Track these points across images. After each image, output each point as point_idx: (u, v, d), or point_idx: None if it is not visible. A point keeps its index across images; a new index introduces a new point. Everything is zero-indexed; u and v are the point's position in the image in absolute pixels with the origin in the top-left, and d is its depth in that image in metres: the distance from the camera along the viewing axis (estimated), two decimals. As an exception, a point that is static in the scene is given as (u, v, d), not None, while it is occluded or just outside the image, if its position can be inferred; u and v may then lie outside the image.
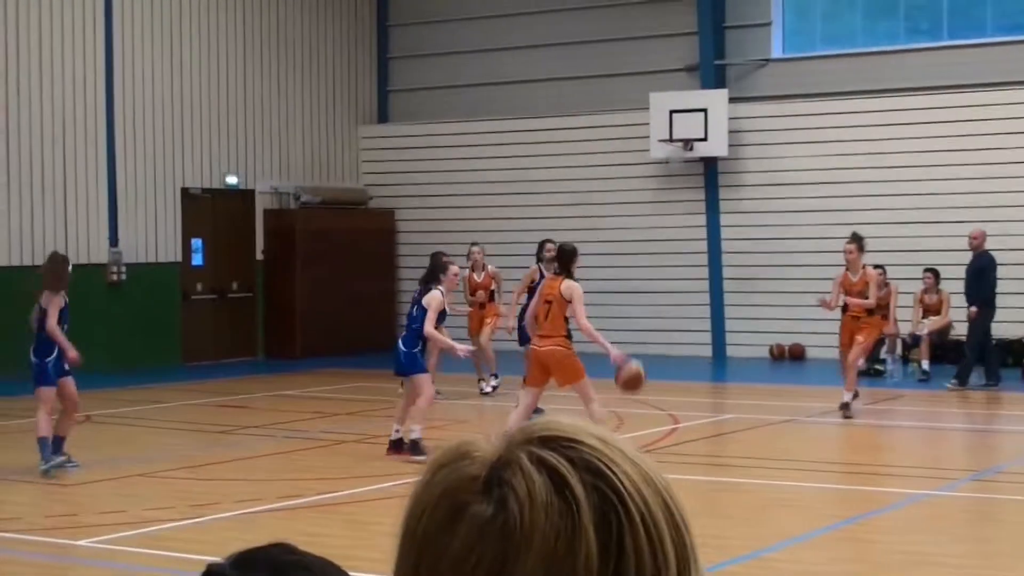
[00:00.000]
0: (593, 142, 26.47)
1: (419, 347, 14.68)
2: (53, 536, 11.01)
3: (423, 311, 14.53)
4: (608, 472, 1.24)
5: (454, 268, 15.02)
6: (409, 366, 14.61)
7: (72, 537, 10.93)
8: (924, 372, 21.37)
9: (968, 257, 20.91)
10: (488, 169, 27.27)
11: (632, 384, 13.54)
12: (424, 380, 14.64)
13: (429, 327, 14.42)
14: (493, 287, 20.16)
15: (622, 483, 1.24)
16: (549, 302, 14.18)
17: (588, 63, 26.76)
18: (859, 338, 17.60)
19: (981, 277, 20.51)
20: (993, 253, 20.82)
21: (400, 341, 14.85)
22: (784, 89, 25.28)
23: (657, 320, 25.78)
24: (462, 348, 14.86)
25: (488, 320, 19.82)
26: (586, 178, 26.46)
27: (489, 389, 19.77)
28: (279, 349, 25.93)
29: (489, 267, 20.26)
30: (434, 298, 14.57)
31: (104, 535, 10.99)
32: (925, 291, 21.97)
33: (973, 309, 20.44)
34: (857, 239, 17.78)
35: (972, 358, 20.44)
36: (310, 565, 1.84)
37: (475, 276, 20.18)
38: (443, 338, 14.74)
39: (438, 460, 1.30)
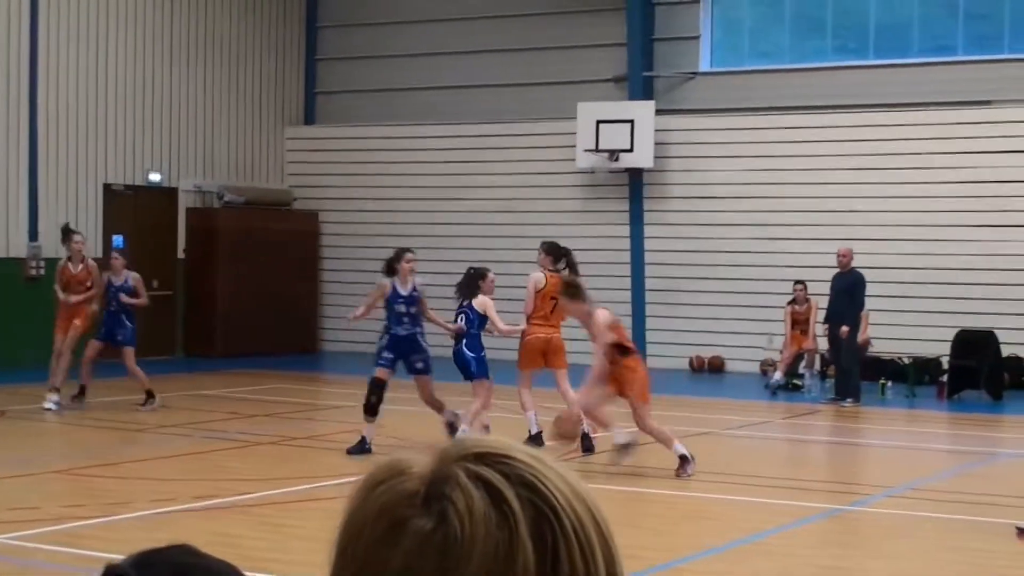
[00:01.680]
0: (521, 150, 26.52)
1: (483, 352, 15.62)
2: (-38, 532, 10.85)
3: (481, 316, 15.51)
4: (541, 486, 1.29)
5: (491, 275, 16.11)
6: (479, 370, 15.42)
7: (-14, 533, 10.78)
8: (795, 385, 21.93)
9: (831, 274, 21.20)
10: (414, 174, 27.24)
11: (566, 433, 14.41)
12: (485, 385, 15.44)
13: (503, 326, 15.64)
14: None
15: (555, 497, 1.28)
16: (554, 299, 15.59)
17: (517, 71, 26.80)
18: None
19: (853, 294, 20.72)
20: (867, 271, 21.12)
21: (464, 347, 15.46)
22: (711, 103, 25.43)
23: (578, 329, 25.78)
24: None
25: None
26: (513, 185, 26.51)
27: None
28: (198, 348, 25.76)
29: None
30: (487, 303, 15.59)
31: (17, 531, 10.86)
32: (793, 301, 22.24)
33: (845, 328, 20.55)
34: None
35: (855, 374, 20.68)
36: (211, 567, 1.82)
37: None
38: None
39: (374, 477, 1.32)
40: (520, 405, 15.74)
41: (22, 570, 9.97)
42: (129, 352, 18.19)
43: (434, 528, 1.25)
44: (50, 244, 23.53)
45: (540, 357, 15.95)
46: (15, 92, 23.46)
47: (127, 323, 18.34)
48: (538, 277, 16.17)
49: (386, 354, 15.15)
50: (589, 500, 1.31)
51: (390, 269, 15.35)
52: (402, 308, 15.21)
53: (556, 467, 1.32)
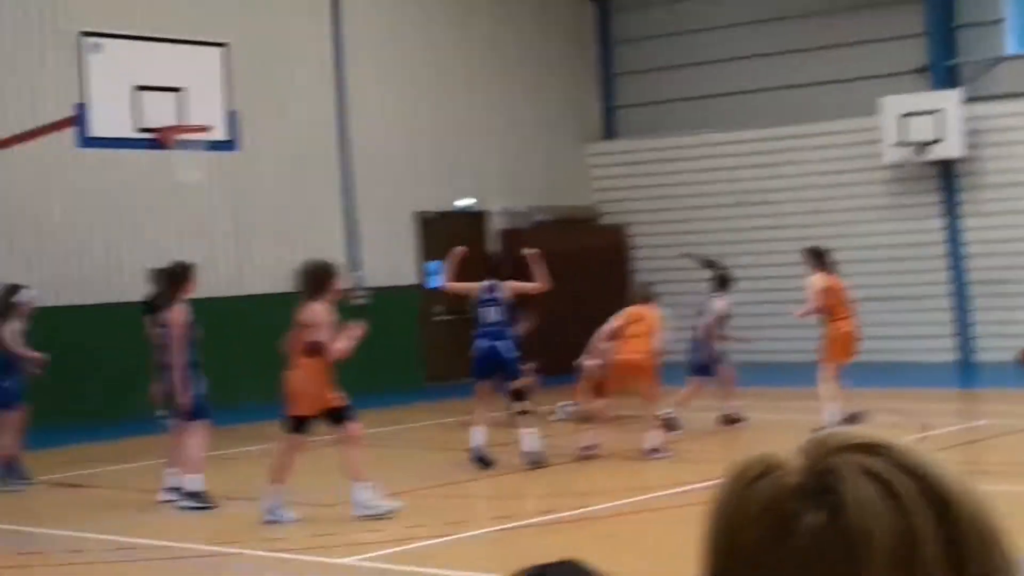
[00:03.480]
0: (825, 149, 26.14)
1: None
2: (318, 555, 11.24)
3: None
4: (928, 475, 1.26)
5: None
6: None
7: (336, 556, 11.15)
8: None
9: None
10: (717, 181, 27.12)
11: None
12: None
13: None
14: None
15: (944, 484, 1.26)
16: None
17: (816, 70, 26.44)
18: None
19: None
20: None
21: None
22: (1021, 86, 24.61)
23: (896, 327, 25.29)
24: None
25: None
26: (820, 186, 26.14)
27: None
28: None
29: None
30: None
31: (366, 552, 11.20)
32: None
33: None
34: None
35: None
36: None
37: None
38: None
39: (745, 474, 1.30)
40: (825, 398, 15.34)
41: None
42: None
43: (828, 522, 1.23)
44: (370, 273, 24.28)
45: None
46: (329, 135, 24.29)
47: None
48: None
49: None
50: (972, 486, 1.28)
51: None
52: None
53: (932, 455, 1.29)
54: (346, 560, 11.00)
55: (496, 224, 27.02)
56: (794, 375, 23.83)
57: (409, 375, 24.56)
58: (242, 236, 23.35)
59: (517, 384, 15.70)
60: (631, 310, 15.92)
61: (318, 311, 13.05)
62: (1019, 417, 17.47)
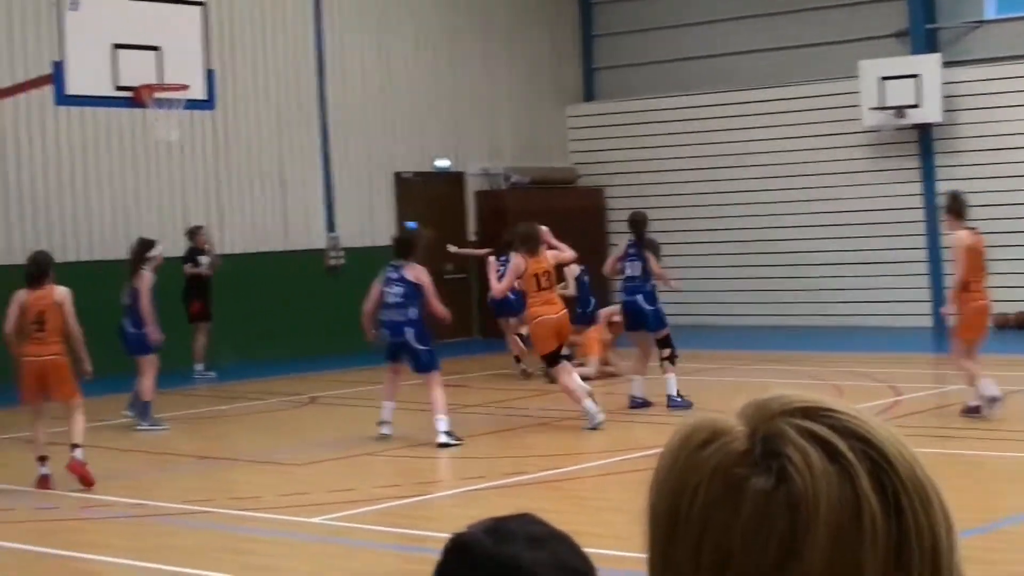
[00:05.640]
0: (803, 112, 26.16)
1: None
2: (288, 514, 11.32)
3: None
4: (871, 438, 1.27)
5: None
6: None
7: (306, 515, 11.23)
8: None
9: None
10: (696, 144, 27.13)
11: None
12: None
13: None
14: None
15: (886, 447, 1.27)
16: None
17: (795, 33, 26.44)
18: None
19: None
20: None
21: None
22: (999, 51, 24.65)
23: (873, 291, 25.41)
24: None
25: None
26: (798, 149, 26.17)
27: None
28: (494, 328, 26.15)
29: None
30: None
31: (335, 512, 11.28)
32: None
33: None
34: None
35: None
36: (560, 536, 1.88)
37: None
38: None
39: (691, 439, 1.31)
40: (969, 376, 14.96)
41: (348, 550, 10.35)
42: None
43: (775, 486, 1.24)
44: (347, 235, 24.28)
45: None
46: (306, 93, 24.25)
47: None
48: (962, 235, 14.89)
49: None
50: (912, 450, 1.30)
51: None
52: None
53: (875, 418, 1.30)
54: (315, 519, 11.08)
55: (473, 185, 27.03)
56: (761, 339, 23.99)
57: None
58: (220, 195, 23.35)
59: (662, 333, 16.51)
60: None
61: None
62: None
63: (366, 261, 24.18)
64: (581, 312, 19.68)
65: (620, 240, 27.66)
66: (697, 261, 26.63)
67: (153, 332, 16.32)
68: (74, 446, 12.90)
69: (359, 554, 10.23)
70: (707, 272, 26.69)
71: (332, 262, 23.95)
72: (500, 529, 1.83)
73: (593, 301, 20.11)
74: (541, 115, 28.38)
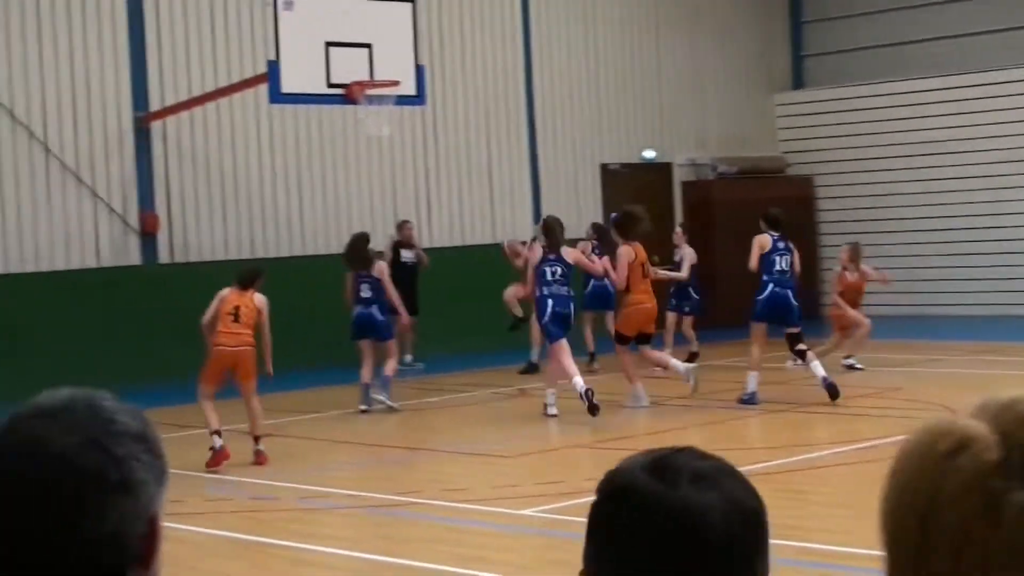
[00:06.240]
0: (1013, 97, 25.47)
1: None
2: (498, 506, 11.41)
3: None
4: None
5: None
6: None
7: (516, 507, 11.31)
8: None
9: None
10: (908, 130, 26.60)
11: None
12: None
13: None
14: None
15: None
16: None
17: (1006, 16, 25.75)
18: None
19: None
20: None
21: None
22: None
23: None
24: None
25: None
26: (1008, 135, 25.49)
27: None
28: (702, 319, 26.00)
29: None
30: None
31: (546, 504, 11.33)
32: None
33: None
34: None
35: None
36: (729, 470, 1.69)
37: None
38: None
39: (936, 446, 1.28)
40: None
41: (560, 542, 10.38)
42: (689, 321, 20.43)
43: None
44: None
45: None
46: (512, 85, 24.44)
47: (693, 295, 20.17)
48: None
49: None
50: None
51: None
52: None
53: None
54: (526, 511, 11.15)
55: (680, 176, 26.92)
56: (979, 328, 23.43)
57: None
58: (428, 190, 23.64)
59: (794, 329, 16.60)
60: None
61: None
62: None
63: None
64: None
65: (828, 228, 27.42)
66: (909, 250, 26.13)
67: (404, 316, 17.81)
68: (256, 438, 13.68)
69: (570, 546, 10.24)
70: (919, 261, 26.16)
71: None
72: (663, 466, 1.66)
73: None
74: (749, 104, 28.13)
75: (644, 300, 16.48)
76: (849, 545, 8.48)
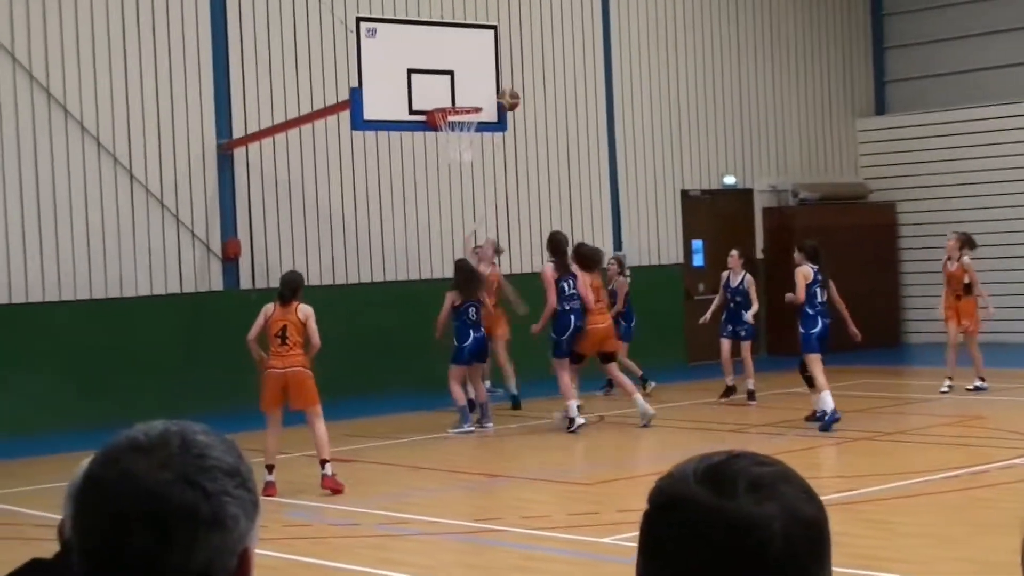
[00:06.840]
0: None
1: None
2: (578, 534, 11.42)
3: None
4: None
5: None
6: None
7: (596, 535, 11.30)
8: None
9: None
10: (992, 156, 26.36)
11: None
12: None
13: None
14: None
15: None
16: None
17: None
18: None
19: None
20: None
21: None
22: None
23: None
24: None
25: None
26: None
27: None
28: (782, 346, 25.86)
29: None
30: None
31: (626, 532, 11.31)
32: None
33: None
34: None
35: None
36: (789, 475, 1.62)
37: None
38: None
39: None
40: None
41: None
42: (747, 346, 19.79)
43: None
44: (633, 252, 24.37)
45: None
46: (593, 109, 24.48)
47: (747, 319, 19.66)
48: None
49: None
50: None
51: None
52: None
53: None
54: (606, 539, 11.15)
55: (761, 202, 26.83)
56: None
57: (672, 354, 24.54)
58: (509, 215, 23.69)
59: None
60: None
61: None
62: None
63: (652, 280, 24.29)
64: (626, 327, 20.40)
65: (911, 256, 27.21)
66: (991, 277, 25.84)
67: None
68: (323, 462, 13.63)
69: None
70: (1002, 288, 25.88)
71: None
72: (718, 473, 1.57)
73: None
74: (830, 129, 28.01)
75: (598, 321, 17.69)
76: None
